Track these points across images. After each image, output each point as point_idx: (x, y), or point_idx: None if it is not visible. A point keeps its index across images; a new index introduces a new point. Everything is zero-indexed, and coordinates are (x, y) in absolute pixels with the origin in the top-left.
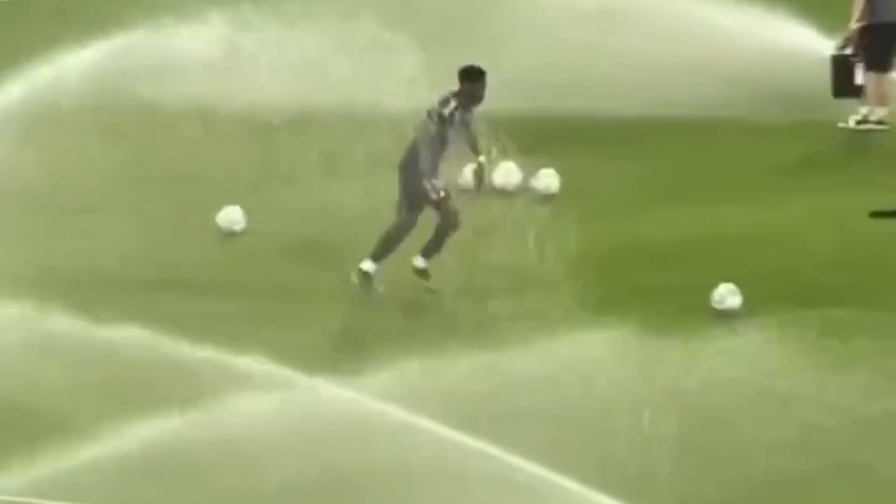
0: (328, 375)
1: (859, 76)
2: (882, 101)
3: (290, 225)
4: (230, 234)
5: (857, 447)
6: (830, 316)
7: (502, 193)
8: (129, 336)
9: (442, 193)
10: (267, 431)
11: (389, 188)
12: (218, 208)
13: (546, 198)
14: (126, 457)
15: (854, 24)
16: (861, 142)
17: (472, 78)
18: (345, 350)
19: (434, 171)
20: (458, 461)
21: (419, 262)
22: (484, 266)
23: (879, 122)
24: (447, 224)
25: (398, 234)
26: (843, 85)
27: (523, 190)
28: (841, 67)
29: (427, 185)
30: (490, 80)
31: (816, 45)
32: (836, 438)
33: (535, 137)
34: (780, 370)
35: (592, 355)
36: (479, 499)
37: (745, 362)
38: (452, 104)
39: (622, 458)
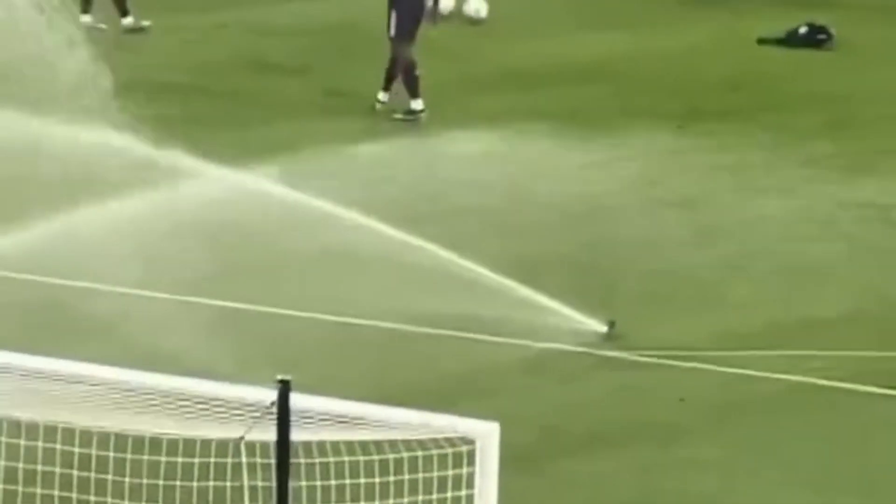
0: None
1: None
2: None
3: None
4: None
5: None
6: (721, 129)
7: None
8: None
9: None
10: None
11: None
12: None
13: (476, 21)
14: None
15: None
16: None
17: None
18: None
19: None
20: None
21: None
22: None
23: None
24: None
25: None
26: None
27: (456, 15)
28: None
29: None
30: None
31: None
32: (728, 233)
33: None
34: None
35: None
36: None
37: (647, 168)
38: None
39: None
